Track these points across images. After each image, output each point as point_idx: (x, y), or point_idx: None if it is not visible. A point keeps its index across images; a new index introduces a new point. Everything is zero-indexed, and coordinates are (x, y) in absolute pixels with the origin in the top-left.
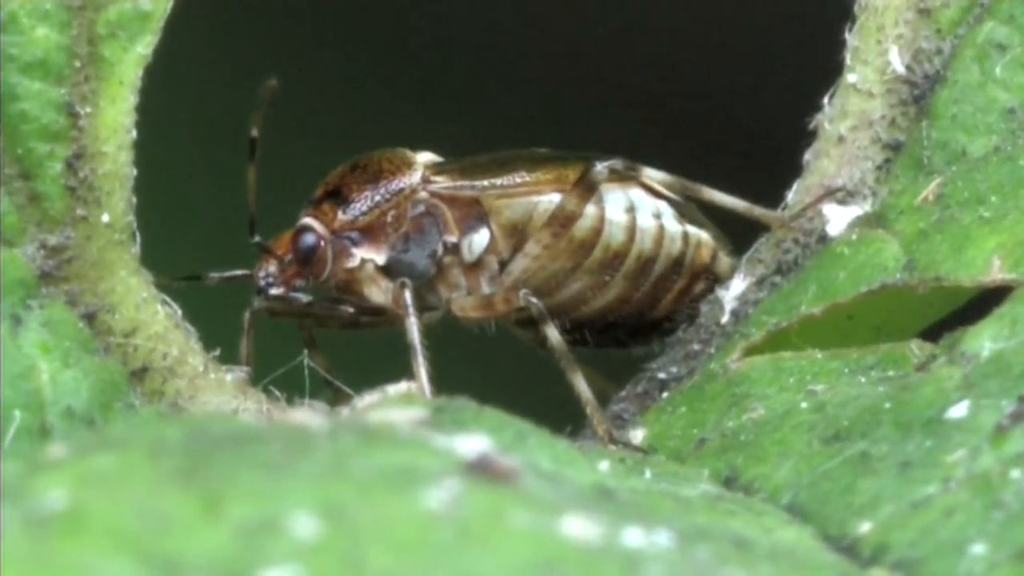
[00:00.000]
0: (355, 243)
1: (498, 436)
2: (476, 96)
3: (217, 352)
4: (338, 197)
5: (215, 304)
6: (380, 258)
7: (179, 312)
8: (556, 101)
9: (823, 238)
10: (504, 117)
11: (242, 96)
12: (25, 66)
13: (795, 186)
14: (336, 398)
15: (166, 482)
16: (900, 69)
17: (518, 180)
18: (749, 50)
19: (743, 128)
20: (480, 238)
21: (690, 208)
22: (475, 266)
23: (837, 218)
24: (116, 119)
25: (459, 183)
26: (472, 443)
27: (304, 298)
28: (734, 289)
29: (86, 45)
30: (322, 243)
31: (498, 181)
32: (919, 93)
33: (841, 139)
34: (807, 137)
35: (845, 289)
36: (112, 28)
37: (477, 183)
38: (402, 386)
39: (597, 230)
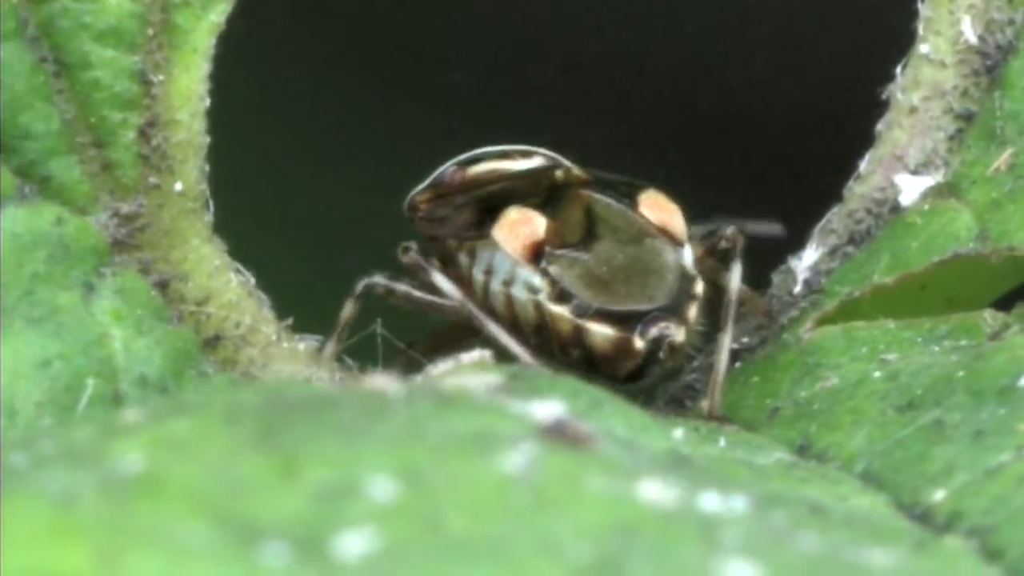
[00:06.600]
0: None
1: (573, 402)
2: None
3: (290, 321)
4: None
5: (288, 272)
6: None
7: (252, 280)
8: (596, 72)
9: (895, 208)
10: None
11: (313, 67)
12: (98, 34)
13: (867, 156)
14: (409, 367)
15: (243, 446)
16: (972, 39)
17: None
18: (822, 19)
19: (816, 98)
20: None
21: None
22: None
23: (909, 188)
24: (189, 87)
25: None
26: (548, 408)
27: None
28: (807, 259)
29: (159, 13)
30: None
31: None
32: (991, 63)
33: (913, 109)
34: (880, 107)
35: (917, 259)
36: None
37: None
38: (475, 354)
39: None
